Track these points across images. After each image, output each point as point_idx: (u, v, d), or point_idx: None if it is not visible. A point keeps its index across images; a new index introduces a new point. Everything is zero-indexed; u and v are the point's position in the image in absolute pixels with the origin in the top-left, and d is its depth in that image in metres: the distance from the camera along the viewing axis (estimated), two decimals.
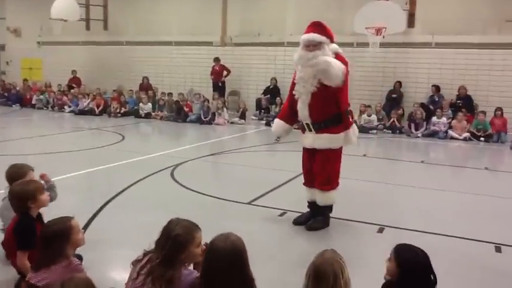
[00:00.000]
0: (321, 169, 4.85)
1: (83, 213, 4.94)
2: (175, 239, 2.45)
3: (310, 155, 5.00)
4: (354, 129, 4.90)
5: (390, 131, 12.98)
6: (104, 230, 4.63)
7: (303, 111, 4.83)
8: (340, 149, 4.93)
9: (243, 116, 14.43)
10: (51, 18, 16.04)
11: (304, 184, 5.14)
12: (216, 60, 15.66)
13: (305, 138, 5.02)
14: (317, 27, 4.73)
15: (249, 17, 15.73)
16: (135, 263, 2.58)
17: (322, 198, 4.93)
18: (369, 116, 13.15)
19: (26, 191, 3.24)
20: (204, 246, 2.57)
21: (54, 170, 6.22)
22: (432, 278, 2.40)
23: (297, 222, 5.04)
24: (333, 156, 4.85)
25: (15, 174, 3.81)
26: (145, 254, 2.57)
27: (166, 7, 16.93)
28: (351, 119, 4.96)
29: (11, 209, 3.58)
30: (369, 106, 13.35)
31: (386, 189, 6.90)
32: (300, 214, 5.16)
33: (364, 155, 9.72)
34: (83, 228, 4.46)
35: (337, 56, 4.65)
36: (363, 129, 12.74)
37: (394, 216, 5.40)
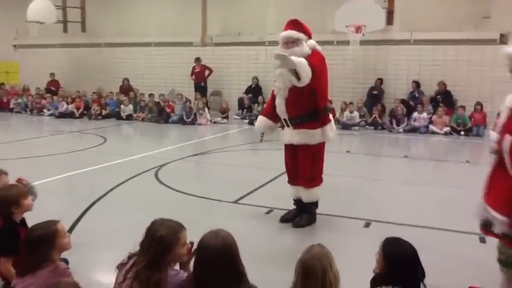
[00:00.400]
0: (304, 166, 4.88)
1: (66, 216, 4.83)
2: (160, 241, 2.40)
3: (291, 152, 5.00)
4: (331, 126, 4.88)
5: (372, 127, 13.10)
6: (88, 233, 4.55)
7: (280, 107, 4.86)
8: (322, 145, 4.92)
9: (225, 116, 14.40)
10: (27, 20, 15.75)
11: (288, 182, 5.13)
12: (197, 60, 15.58)
13: (284, 135, 5.04)
14: (294, 24, 4.80)
15: (230, 16, 15.70)
16: (120, 266, 2.52)
17: (306, 195, 4.94)
18: (351, 112, 13.25)
19: (8, 196, 3.16)
20: (189, 245, 2.55)
21: (34, 174, 6.09)
22: (420, 271, 2.42)
23: (284, 219, 5.04)
24: (314, 153, 4.85)
25: None
26: (129, 257, 2.51)
27: (145, 8, 16.79)
28: (331, 116, 4.96)
29: None
30: (351, 103, 13.45)
31: (370, 184, 6.96)
32: (286, 211, 5.16)
33: (348, 152, 9.77)
34: (67, 232, 4.40)
35: (314, 52, 4.69)
36: (345, 126, 12.88)
37: (379, 211, 5.43)
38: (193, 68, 15.63)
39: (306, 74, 4.37)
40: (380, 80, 13.99)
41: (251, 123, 13.80)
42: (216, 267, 2.27)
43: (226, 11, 15.80)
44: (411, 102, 13.34)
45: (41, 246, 2.53)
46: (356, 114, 13.27)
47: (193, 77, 15.67)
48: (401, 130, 12.61)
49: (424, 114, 12.64)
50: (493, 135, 3.09)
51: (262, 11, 15.28)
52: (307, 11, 14.33)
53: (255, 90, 15.25)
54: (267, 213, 5.37)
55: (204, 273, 2.30)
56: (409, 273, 2.38)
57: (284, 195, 6.00)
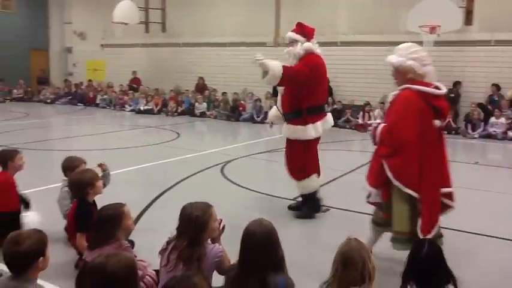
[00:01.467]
0: (291, 160, 5.30)
1: (136, 204, 5.32)
2: (196, 221, 2.75)
3: (286, 146, 5.45)
4: (315, 126, 5.14)
5: (445, 132, 12.64)
6: (154, 220, 4.96)
7: (278, 102, 5.39)
8: (310, 141, 5.18)
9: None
10: (113, 21, 16.88)
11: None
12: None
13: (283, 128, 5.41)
14: (297, 26, 5.20)
15: (301, 17, 15.64)
16: (162, 252, 2.86)
17: (298, 187, 5.33)
18: None
19: (84, 179, 3.62)
20: (219, 219, 2.93)
21: (112, 165, 6.69)
22: (445, 275, 2.49)
23: (290, 207, 5.51)
24: (300, 148, 5.16)
25: (70, 165, 4.28)
26: (168, 242, 2.84)
27: (221, 9, 17.34)
28: (328, 116, 5.32)
29: (67, 197, 4.02)
30: None
31: None
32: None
33: None
34: (136, 218, 4.85)
35: (308, 56, 4.99)
36: None
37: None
38: None
39: (271, 77, 4.77)
40: (456, 83, 13.48)
41: None
42: (260, 252, 2.51)
43: (298, 11, 15.92)
44: (489, 107, 12.74)
45: (109, 225, 2.92)
46: None
47: None
48: (476, 136, 12.09)
49: (502, 120, 12.02)
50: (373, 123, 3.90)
51: (334, 11, 15.26)
52: (379, 10, 14.18)
53: None
54: (324, 211, 5.51)
55: (248, 258, 2.54)
56: (428, 272, 2.45)
57: (344, 194, 6.13)
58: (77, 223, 3.55)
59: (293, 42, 5.08)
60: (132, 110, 16.57)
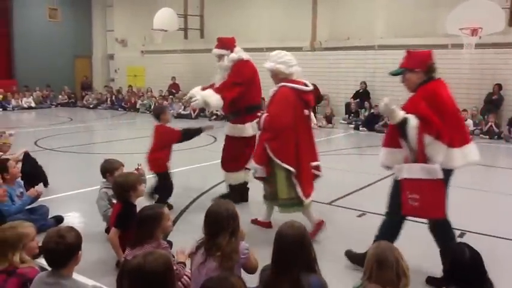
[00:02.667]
0: (224, 153, 5.93)
1: (174, 206, 5.47)
2: (234, 214, 2.88)
3: None
4: (253, 124, 5.45)
5: (487, 137, 12.32)
6: (191, 223, 5.07)
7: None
8: (246, 138, 5.62)
9: (329, 120, 14.50)
10: (153, 28, 17.33)
11: None
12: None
13: None
14: (218, 42, 5.72)
15: (338, 21, 15.77)
16: (192, 255, 2.93)
17: (225, 177, 5.90)
18: (464, 120, 12.59)
19: (127, 182, 3.78)
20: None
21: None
22: (485, 280, 2.46)
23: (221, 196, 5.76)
24: (237, 144, 5.70)
25: (109, 168, 4.47)
26: (198, 247, 2.91)
27: (258, 14, 17.50)
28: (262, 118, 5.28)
29: (105, 198, 4.21)
30: (465, 110, 12.77)
31: (472, 194, 6.70)
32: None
33: None
34: (174, 220, 4.99)
35: (236, 64, 5.49)
36: None
37: (476, 222, 5.28)
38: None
39: (214, 105, 5.45)
40: (498, 86, 13.09)
41: (357, 128, 13.79)
42: (293, 253, 2.56)
43: (335, 15, 15.90)
44: None
45: (149, 225, 3.05)
46: (470, 122, 12.57)
47: None
48: None
49: None
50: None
51: (372, 15, 15.14)
52: (418, 13, 13.97)
53: (362, 95, 15.16)
54: (359, 216, 5.49)
55: (282, 259, 2.60)
56: (470, 277, 2.43)
57: (379, 199, 6.07)
58: (116, 221, 3.72)
59: (220, 57, 5.58)
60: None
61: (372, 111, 14.10)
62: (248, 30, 17.71)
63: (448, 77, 13.93)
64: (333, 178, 7.49)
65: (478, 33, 11.46)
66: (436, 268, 3.62)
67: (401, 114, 3.53)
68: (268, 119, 4.55)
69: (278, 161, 4.51)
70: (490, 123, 12.42)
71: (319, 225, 4.67)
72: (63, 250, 2.48)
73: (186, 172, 7.79)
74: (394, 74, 3.94)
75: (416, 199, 3.47)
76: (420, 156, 3.46)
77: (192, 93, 5.72)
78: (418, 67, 3.70)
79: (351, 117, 14.94)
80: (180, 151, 9.65)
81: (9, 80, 20.25)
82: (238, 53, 5.57)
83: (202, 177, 7.61)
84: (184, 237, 4.26)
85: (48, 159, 8.41)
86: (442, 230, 3.73)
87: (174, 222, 5.13)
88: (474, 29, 11.38)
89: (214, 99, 5.36)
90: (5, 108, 18.25)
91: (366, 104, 14.60)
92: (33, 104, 19.08)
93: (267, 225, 4.96)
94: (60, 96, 20.61)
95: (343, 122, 14.97)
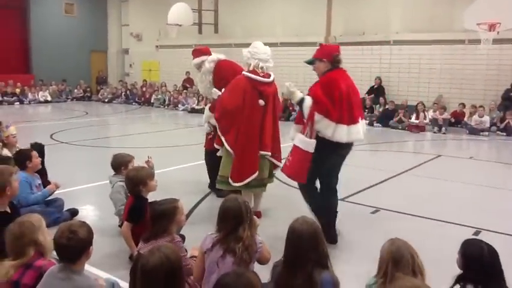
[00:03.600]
0: None
1: (188, 200, 5.49)
2: (248, 206, 2.92)
3: None
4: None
5: (505, 133, 12.14)
6: (204, 217, 5.10)
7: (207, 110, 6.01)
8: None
9: None
10: (168, 23, 17.37)
11: None
12: None
13: None
14: (194, 53, 5.94)
15: (354, 16, 15.62)
16: (208, 251, 2.90)
17: None
18: (481, 116, 12.42)
19: (137, 177, 3.81)
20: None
21: (165, 162, 6.94)
22: (502, 274, 2.43)
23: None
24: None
25: (122, 161, 4.53)
26: (213, 244, 2.88)
27: (272, 9, 17.43)
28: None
29: (122, 191, 4.23)
30: (481, 106, 12.61)
31: (487, 192, 6.61)
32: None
33: (471, 158, 9.28)
34: (186, 214, 5.02)
35: (217, 65, 5.62)
36: (472, 131, 12.15)
37: (491, 220, 5.20)
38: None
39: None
40: None
41: (371, 124, 13.68)
42: (306, 249, 2.55)
43: (350, 10, 15.76)
44: None
45: (163, 219, 3.07)
46: (486, 118, 12.39)
47: None
48: None
49: None
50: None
51: (387, 10, 14.96)
52: (434, 8, 13.78)
53: (377, 91, 15.03)
54: (373, 213, 5.46)
55: (295, 255, 2.59)
56: (488, 274, 2.40)
57: (392, 197, 6.04)
58: (128, 215, 3.75)
59: (201, 65, 5.74)
60: (184, 110, 16.99)
61: (387, 107, 13.97)
62: (262, 25, 17.67)
63: (465, 72, 13.84)
64: (346, 174, 7.39)
65: (496, 28, 11.25)
66: (450, 265, 3.59)
67: (299, 95, 4.23)
68: (218, 101, 5.05)
69: (223, 140, 4.86)
70: (507, 120, 12.22)
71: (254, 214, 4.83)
72: (75, 245, 2.48)
73: (199, 167, 7.81)
74: (308, 62, 4.51)
75: (289, 160, 4.21)
76: (311, 131, 4.08)
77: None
78: (325, 57, 4.33)
79: (365, 113, 14.82)
80: (194, 146, 9.72)
81: (26, 75, 20.50)
82: (215, 56, 5.80)
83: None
84: (196, 232, 4.30)
85: (63, 153, 8.51)
86: (302, 192, 4.54)
87: (188, 216, 5.16)
88: (492, 24, 11.18)
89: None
90: (22, 102, 18.50)
91: (381, 99, 14.46)
92: (49, 98, 19.30)
93: (258, 214, 4.88)
94: (75, 91, 20.81)
95: None
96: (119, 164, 4.56)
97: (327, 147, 4.11)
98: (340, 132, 4.10)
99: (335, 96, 4.07)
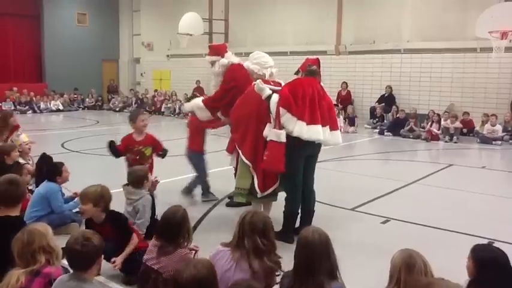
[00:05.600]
0: None
1: (199, 208, 5.51)
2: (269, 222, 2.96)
3: None
4: None
5: None
6: (216, 223, 5.10)
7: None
8: None
9: (352, 123, 14.35)
10: (178, 33, 17.50)
11: None
12: (344, 84, 15.80)
13: None
14: (209, 49, 6.03)
15: (364, 24, 15.60)
16: (216, 262, 2.88)
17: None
18: (493, 125, 12.29)
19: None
20: None
21: (174, 171, 6.95)
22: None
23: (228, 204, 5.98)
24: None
25: (144, 175, 4.59)
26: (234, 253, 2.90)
27: (282, 18, 17.48)
28: None
29: (147, 206, 4.31)
30: (493, 115, 12.47)
31: (499, 202, 6.51)
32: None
33: (483, 167, 9.18)
34: (199, 220, 5.06)
35: (228, 68, 5.67)
36: (484, 140, 12.01)
37: (504, 230, 5.13)
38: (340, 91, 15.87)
39: (200, 115, 5.85)
40: None
41: (381, 133, 13.61)
42: (318, 259, 2.54)
43: (360, 19, 15.75)
44: None
45: (175, 231, 3.11)
46: (499, 127, 12.24)
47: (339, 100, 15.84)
48: None
49: None
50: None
51: (398, 18, 14.92)
52: (446, 17, 13.72)
53: (388, 99, 14.97)
54: (383, 222, 5.40)
55: (306, 265, 2.57)
56: (501, 277, 2.37)
57: (403, 206, 5.99)
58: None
59: (212, 63, 5.79)
60: None
61: (398, 115, 13.88)
62: (273, 34, 17.73)
63: (477, 81, 13.73)
64: (356, 183, 7.41)
65: (508, 36, 11.19)
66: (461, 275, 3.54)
67: (268, 91, 4.57)
68: (231, 112, 5.08)
69: (240, 152, 4.82)
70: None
71: None
72: (88, 252, 2.49)
73: (211, 175, 7.82)
74: (296, 73, 5.05)
75: (266, 155, 4.51)
76: (278, 123, 4.48)
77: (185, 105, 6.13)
78: (301, 69, 4.98)
79: (375, 122, 14.75)
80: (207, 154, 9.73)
81: (39, 83, 20.76)
82: (229, 58, 5.77)
83: (227, 180, 7.60)
84: (209, 238, 4.30)
85: (74, 162, 8.56)
86: (282, 182, 4.77)
87: (198, 223, 5.17)
88: (504, 32, 11.12)
89: (194, 105, 5.96)
90: (34, 111, 18.72)
91: (393, 108, 14.39)
92: (61, 107, 19.51)
93: None
94: (87, 99, 21.01)
95: (367, 126, 14.79)
96: (143, 178, 4.55)
97: (293, 149, 4.51)
98: (300, 128, 4.49)
99: (298, 94, 4.52)
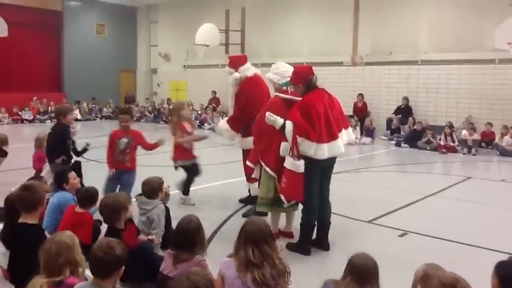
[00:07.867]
0: (244, 166, 5.86)
1: (215, 218, 5.52)
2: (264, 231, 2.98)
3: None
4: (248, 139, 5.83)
5: None
6: (231, 235, 5.08)
7: (224, 122, 6.60)
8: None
9: (369, 134, 14.26)
10: (195, 43, 17.65)
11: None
12: (360, 96, 15.78)
13: None
14: (228, 61, 6.30)
15: (380, 35, 15.56)
16: (224, 272, 2.93)
17: (251, 188, 5.50)
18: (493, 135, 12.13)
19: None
20: None
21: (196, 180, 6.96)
22: None
23: (241, 200, 6.39)
24: (245, 156, 5.95)
25: (160, 186, 4.65)
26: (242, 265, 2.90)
27: (298, 29, 17.53)
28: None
29: (162, 215, 4.33)
30: None
31: None
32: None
33: (503, 180, 9.02)
34: (214, 231, 5.05)
35: (243, 82, 5.97)
36: (504, 153, 11.83)
37: None
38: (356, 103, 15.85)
39: (226, 135, 6.38)
40: None
41: (398, 144, 13.50)
42: (371, 283, 2.69)
43: (377, 30, 15.71)
44: None
45: (190, 240, 3.11)
46: None
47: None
48: None
49: None
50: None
51: (415, 29, 14.85)
52: (463, 28, 13.61)
53: (404, 111, 14.86)
54: (401, 236, 5.34)
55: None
56: None
57: (421, 219, 5.92)
58: None
59: (230, 74, 6.06)
60: (210, 129, 17.12)
61: (415, 127, 13.76)
62: (288, 45, 17.77)
63: (495, 93, 13.55)
64: (373, 196, 7.34)
65: None
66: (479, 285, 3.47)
67: (281, 121, 4.44)
68: (254, 122, 5.15)
69: (263, 163, 4.87)
70: None
71: (286, 234, 5.06)
72: (110, 260, 2.51)
73: (226, 186, 7.84)
74: (283, 85, 4.92)
75: (285, 183, 4.51)
76: (295, 151, 4.40)
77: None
78: (301, 83, 4.65)
79: (392, 134, 14.64)
80: (220, 165, 9.76)
81: (58, 93, 21.10)
82: (243, 72, 5.99)
83: (242, 190, 7.61)
84: (219, 249, 4.29)
85: (92, 170, 8.65)
86: (303, 209, 4.76)
87: (215, 233, 5.17)
88: None
89: (219, 127, 6.55)
90: (53, 120, 18.98)
91: (410, 119, 14.27)
92: (79, 117, 19.77)
93: (290, 235, 5.09)
94: (105, 109, 21.27)
95: (384, 138, 14.69)
96: (158, 188, 4.59)
97: (311, 163, 4.47)
98: (321, 151, 4.47)
99: (312, 117, 4.41)
